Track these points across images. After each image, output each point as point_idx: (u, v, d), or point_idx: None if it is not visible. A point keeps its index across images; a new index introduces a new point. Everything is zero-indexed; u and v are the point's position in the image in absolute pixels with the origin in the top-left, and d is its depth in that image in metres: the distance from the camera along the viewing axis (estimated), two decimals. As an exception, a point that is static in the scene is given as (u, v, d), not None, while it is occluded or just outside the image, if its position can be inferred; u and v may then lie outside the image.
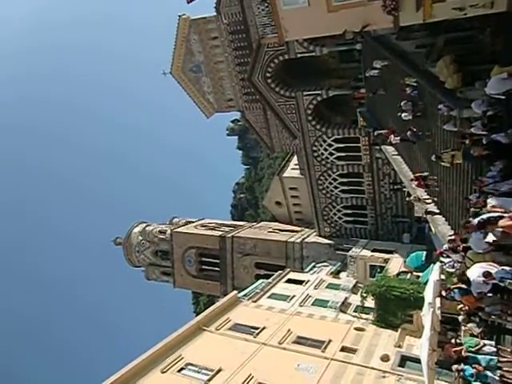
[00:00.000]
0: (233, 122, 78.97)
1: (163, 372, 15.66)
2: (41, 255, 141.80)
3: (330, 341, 16.86)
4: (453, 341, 10.13)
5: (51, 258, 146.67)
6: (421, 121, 15.92)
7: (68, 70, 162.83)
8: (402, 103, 16.11)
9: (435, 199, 15.84)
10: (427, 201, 16.12)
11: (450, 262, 12.70)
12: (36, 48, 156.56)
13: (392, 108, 18.08)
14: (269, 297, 23.57)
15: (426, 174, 15.94)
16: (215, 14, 32.21)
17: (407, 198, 18.16)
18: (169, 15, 45.45)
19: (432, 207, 15.74)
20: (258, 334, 17.96)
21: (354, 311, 20.99)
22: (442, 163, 12.82)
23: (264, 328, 18.40)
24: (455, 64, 11.62)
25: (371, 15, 11.67)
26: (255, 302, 22.39)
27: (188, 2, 13.98)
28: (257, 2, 13.99)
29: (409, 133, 16.56)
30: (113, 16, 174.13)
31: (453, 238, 11.98)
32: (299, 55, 30.16)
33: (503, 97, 8.93)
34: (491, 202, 8.72)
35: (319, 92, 31.05)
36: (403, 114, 16.12)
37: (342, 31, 12.81)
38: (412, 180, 17.06)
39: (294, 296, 23.44)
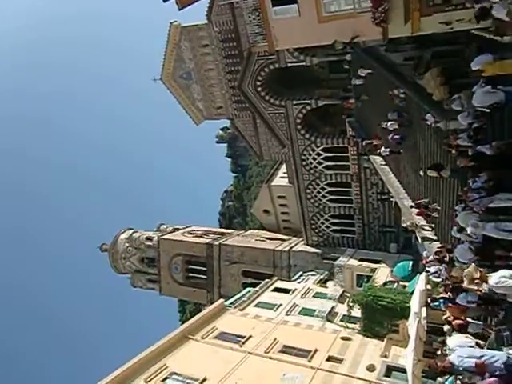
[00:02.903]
0: (222, 129, 79.07)
1: (147, 381, 15.36)
2: (22, 263, 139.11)
3: (316, 350, 16.78)
4: (439, 352, 10.16)
5: (33, 264, 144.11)
6: (407, 130, 16.15)
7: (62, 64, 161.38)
8: (389, 114, 16.33)
9: (433, 226, 15.39)
10: (425, 227, 15.78)
11: (436, 271, 12.81)
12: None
13: (380, 118, 18.28)
14: (256, 305, 23.44)
15: (426, 200, 15.48)
16: (206, 21, 32.35)
17: (404, 225, 17.96)
18: (160, 22, 45.47)
19: (430, 234, 15.37)
20: (244, 342, 17.81)
21: (341, 320, 20.97)
22: (430, 174, 12.96)
23: (250, 337, 18.26)
24: (442, 76, 11.82)
25: (361, 27, 11.83)
26: (242, 310, 22.24)
27: (179, 9, 14.05)
28: (248, 11, 14.06)
29: (390, 136, 16.71)
30: (106, 15, 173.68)
31: (439, 249, 12.10)
32: (289, 64, 30.38)
33: (488, 110, 9.10)
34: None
35: (309, 101, 31.27)
36: (389, 123, 16.32)
37: (331, 42, 12.94)
38: (412, 207, 16.53)
39: (280, 305, 23.35)
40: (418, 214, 15.57)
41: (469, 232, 8.84)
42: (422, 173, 14.20)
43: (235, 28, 31.12)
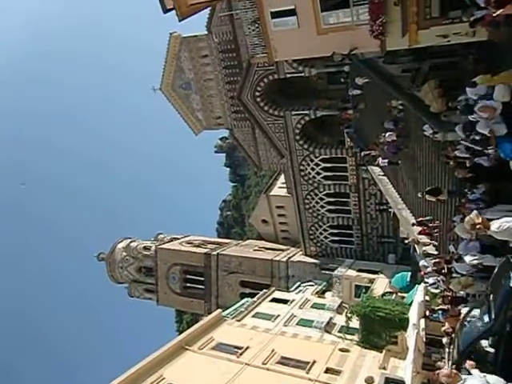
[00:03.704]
0: (221, 139, 79.17)
1: (143, 393, 15.24)
2: (17, 273, 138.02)
3: (314, 362, 16.64)
4: (438, 363, 10.11)
5: (27, 273, 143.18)
6: (404, 141, 16.23)
7: (57, 80, 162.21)
8: (385, 123, 16.44)
9: (435, 243, 15.26)
10: (427, 243, 15.57)
11: (434, 282, 12.80)
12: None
13: (377, 128, 18.38)
14: (253, 316, 23.30)
15: (428, 218, 15.32)
16: (206, 32, 32.64)
17: (405, 241, 17.90)
18: (161, 32, 45.83)
19: (431, 250, 15.22)
20: (241, 353, 17.66)
21: (339, 332, 20.84)
22: (428, 199, 13.01)
23: (248, 348, 18.11)
24: (440, 89, 11.92)
25: (359, 39, 11.96)
26: (239, 320, 22.10)
27: (180, 21, 14.20)
28: (248, 23, 14.21)
29: (386, 147, 16.79)
30: (106, 30, 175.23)
31: (438, 260, 12.08)
32: (288, 75, 30.58)
33: (476, 211, 9.11)
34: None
35: (307, 112, 31.42)
36: (387, 134, 16.41)
37: (330, 53, 13.08)
38: (414, 225, 16.36)
39: (278, 315, 23.22)
40: (419, 233, 15.46)
41: (467, 262, 8.75)
42: (420, 195, 14.24)
43: (235, 39, 31.39)
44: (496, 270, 7.08)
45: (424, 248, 15.16)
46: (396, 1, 10.85)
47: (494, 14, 4.29)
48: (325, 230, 34.25)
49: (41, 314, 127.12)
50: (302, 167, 33.03)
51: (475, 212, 6.21)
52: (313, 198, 33.61)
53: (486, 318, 6.68)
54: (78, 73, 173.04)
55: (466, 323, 7.75)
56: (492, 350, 6.63)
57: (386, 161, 18.51)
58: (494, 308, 6.48)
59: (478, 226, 5.78)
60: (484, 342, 6.89)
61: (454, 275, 10.38)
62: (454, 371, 5.29)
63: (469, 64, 11.92)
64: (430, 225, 14.65)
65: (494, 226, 5.92)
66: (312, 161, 32.62)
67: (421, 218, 15.68)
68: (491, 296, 6.71)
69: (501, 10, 4.15)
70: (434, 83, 12.13)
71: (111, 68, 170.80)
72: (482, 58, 11.05)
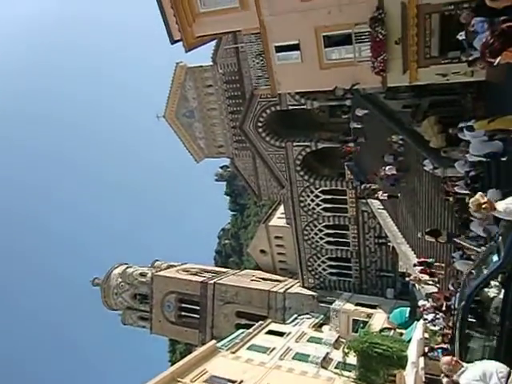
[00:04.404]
0: (222, 167, 79.76)
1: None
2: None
3: (309, 399, 16.18)
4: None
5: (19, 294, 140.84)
6: (405, 175, 16.34)
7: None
8: (385, 156, 16.59)
9: (437, 284, 15.03)
10: (429, 282, 15.31)
11: (433, 319, 12.58)
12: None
13: (377, 162, 18.54)
14: (248, 348, 22.77)
15: (431, 260, 15.11)
16: (211, 63, 33.42)
17: (406, 279, 17.75)
18: (167, 62, 46.91)
19: (432, 289, 14.98)
20: (234, 387, 17.19)
21: (336, 367, 20.35)
22: (428, 239, 13.01)
23: (241, 382, 17.63)
24: (439, 125, 12.10)
25: (361, 74, 12.25)
26: (234, 352, 21.58)
27: (186, 52, 14.60)
28: (252, 56, 14.60)
29: (384, 179, 16.87)
30: (113, 53, 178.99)
31: (437, 296, 11.92)
32: (291, 107, 31.09)
33: (484, 159, 9.25)
34: None
35: (308, 144, 31.76)
36: (387, 168, 16.53)
37: (332, 88, 13.35)
38: (415, 265, 16.08)
39: (274, 348, 22.69)
40: (421, 272, 15.31)
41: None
42: (420, 235, 14.23)
43: (239, 70, 32.11)
44: None
45: (425, 286, 14.96)
46: (397, 39, 11.18)
47: (495, 64, 4.40)
48: (323, 262, 33.96)
49: (26, 340, 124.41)
50: (301, 198, 33.08)
51: (480, 193, 6.05)
52: (312, 230, 33.50)
53: (496, 258, 6.59)
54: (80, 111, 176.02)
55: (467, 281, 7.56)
56: (498, 294, 6.52)
57: (386, 194, 18.58)
58: (503, 247, 6.35)
59: (483, 206, 5.61)
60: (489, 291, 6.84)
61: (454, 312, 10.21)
62: (455, 359, 5.12)
63: (468, 102, 12.16)
64: (433, 266, 14.48)
65: (500, 205, 5.74)
66: (312, 192, 32.71)
67: (423, 259, 15.54)
68: (500, 238, 6.56)
69: (498, 59, 4.25)
70: (434, 119, 12.33)
71: (117, 87, 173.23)
72: (481, 97, 11.28)
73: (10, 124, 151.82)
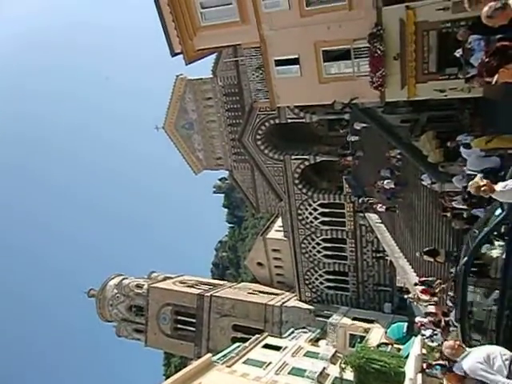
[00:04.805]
0: (220, 179, 79.87)
1: None
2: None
3: (305, 415, 15.94)
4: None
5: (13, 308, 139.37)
6: (402, 190, 16.36)
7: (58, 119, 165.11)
8: (382, 171, 16.64)
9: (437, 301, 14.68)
10: (429, 302, 15.37)
11: (431, 335, 12.48)
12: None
13: (375, 176, 18.58)
14: (244, 362, 22.51)
15: (431, 279, 14.95)
16: (211, 76, 33.68)
17: (405, 296, 17.64)
18: (167, 74, 47.22)
19: (432, 309, 14.54)
20: (230, 402, 16.93)
21: (333, 383, 20.10)
22: (426, 259, 12.99)
23: (237, 397, 17.39)
24: (437, 140, 12.18)
25: (359, 89, 12.36)
26: (230, 366, 21.31)
27: (186, 64, 14.74)
28: (252, 69, 14.73)
29: (382, 192, 16.88)
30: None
31: (434, 311, 11.84)
32: (290, 120, 31.26)
33: (481, 174, 9.27)
34: None
35: (307, 157, 31.85)
36: (385, 182, 16.56)
37: (331, 102, 13.45)
38: (416, 285, 15.90)
39: (270, 363, 22.44)
40: (422, 292, 15.20)
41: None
42: (418, 255, 14.20)
43: (239, 83, 32.36)
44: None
45: (425, 304, 14.84)
46: (395, 55, 11.31)
47: (493, 83, 4.47)
48: (320, 276, 33.79)
49: (17, 349, 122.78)
50: (299, 211, 33.05)
51: (479, 175, 6.07)
52: (309, 243, 33.40)
53: (499, 211, 6.65)
54: (79, 113, 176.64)
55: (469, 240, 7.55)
56: (502, 254, 6.51)
57: (384, 207, 18.59)
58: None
59: (482, 188, 5.63)
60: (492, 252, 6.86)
61: (452, 328, 10.14)
62: (458, 343, 5.13)
63: (465, 118, 12.26)
64: (434, 285, 14.36)
65: (500, 185, 5.75)
66: (310, 205, 32.70)
67: (424, 278, 15.44)
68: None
69: (496, 77, 4.31)
70: (432, 134, 12.41)
71: (112, 110, 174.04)
72: (479, 113, 11.38)
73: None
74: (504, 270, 6.46)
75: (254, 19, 12.63)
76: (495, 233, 6.93)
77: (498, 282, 6.66)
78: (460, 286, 7.34)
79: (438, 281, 14.02)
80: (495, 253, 6.82)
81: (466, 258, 7.22)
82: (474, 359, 4.78)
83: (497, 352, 4.73)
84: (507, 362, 4.56)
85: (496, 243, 6.83)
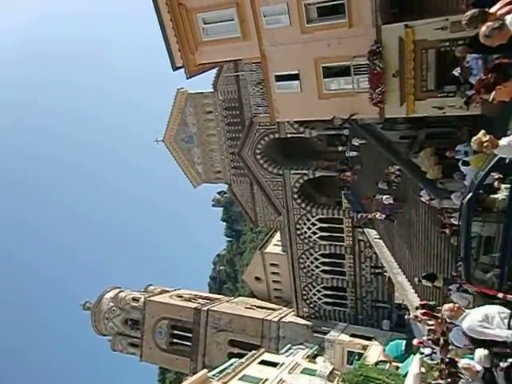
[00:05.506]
0: (219, 193, 79.90)
1: None
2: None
3: (302, 433, 15.66)
4: None
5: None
6: (401, 205, 16.36)
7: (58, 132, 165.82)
8: (379, 183, 16.65)
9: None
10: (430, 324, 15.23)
11: (430, 353, 12.33)
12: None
13: (373, 190, 18.59)
14: (240, 378, 22.20)
15: (432, 303, 14.35)
16: (212, 90, 33.95)
17: (406, 317, 17.51)
18: (168, 88, 47.60)
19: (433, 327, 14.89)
20: (225, 420, 16.65)
21: (330, 401, 19.81)
22: (424, 284, 12.94)
23: (232, 414, 17.11)
24: (436, 156, 12.23)
25: (359, 105, 12.46)
26: (226, 383, 21.04)
27: (187, 78, 14.90)
28: (252, 84, 14.89)
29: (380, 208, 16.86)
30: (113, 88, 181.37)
31: (433, 328, 11.71)
32: (289, 135, 31.40)
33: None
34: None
35: (306, 172, 31.91)
36: (384, 197, 16.56)
37: (330, 117, 13.55)
38: (417, 308, 16.26)
39: (266, 379, 22.16)
40: (423, 315, 15.07)
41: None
42: (417, 280, 14.14)
43: (239, 98, 32.59)
44: None
45: (426, 327, 14.69)
46: (394, 72, 11.44)
47: (490, 100, 4.51)
48: (318, 291, 33.54)
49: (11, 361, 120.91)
50: (298, 226, 32.99)
51: (483, 131, 5.99)
52: (308, 258, 33.25)
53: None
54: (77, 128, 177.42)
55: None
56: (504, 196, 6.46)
57: (383, 216, 18.48)
58: None
59: (485, 144, 5.57)
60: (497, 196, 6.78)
61: (451, 347, 10.02)
62: (457, 305, 5.20)
63: (464, 134, 12.34)
64: (435, 309, 14.24)
65: (503, 140, 5.67)
66: (309, 220, 32.66)
67: (425, 301, 15.32)
68: None
69: (493, 94, 4.35)
70: (431, 151, 12.48)
71: (112, 123, 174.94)
72: (477, 129, 11.41)
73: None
74: (509, 203, 6.44)
75: (255, 35, 12.79)
76: (501, 175, 6.86)
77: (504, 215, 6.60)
78: (464, 222, 7.21)
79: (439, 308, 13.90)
80: (501, 195, 6.72)
81: (470, 194, 7.10)
82: (472, 318, 4.86)
83: (495, 311, 4.86)
84: (505, 320, 4.67)
85: (502, 186, 6.76)
